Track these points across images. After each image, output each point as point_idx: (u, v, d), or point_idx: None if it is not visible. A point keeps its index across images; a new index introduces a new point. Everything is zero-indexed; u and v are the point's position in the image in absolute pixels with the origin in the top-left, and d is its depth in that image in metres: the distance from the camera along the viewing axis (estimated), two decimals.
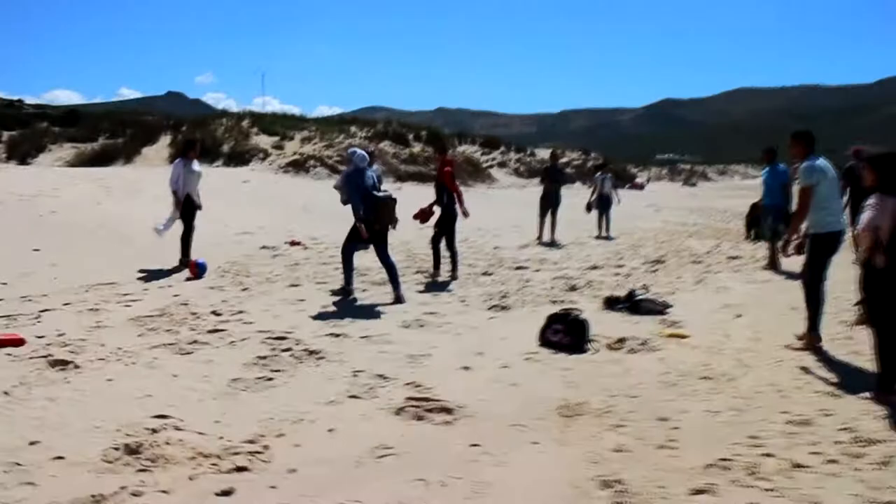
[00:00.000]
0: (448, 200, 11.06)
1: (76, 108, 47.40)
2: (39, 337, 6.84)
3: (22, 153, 32.91)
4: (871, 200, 5.63)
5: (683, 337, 7.66)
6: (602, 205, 17.81)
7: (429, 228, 11.49)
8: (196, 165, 11.09)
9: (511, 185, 41.55)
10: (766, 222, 12.77)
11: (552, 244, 15.78)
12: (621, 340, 7.36)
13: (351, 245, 9.43)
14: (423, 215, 11.09)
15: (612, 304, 9.03)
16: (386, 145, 36.16)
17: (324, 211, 17.81)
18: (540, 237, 16.21)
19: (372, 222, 9.10)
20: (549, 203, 16.36)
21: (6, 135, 35.58)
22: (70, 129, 36.26)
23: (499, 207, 25.79)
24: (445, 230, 11.01)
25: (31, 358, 6.17)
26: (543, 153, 54.54)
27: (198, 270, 10.20)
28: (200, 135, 28.93)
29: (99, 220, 14.01)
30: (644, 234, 18.71)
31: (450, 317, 8.53)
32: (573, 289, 10.49)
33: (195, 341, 7.01)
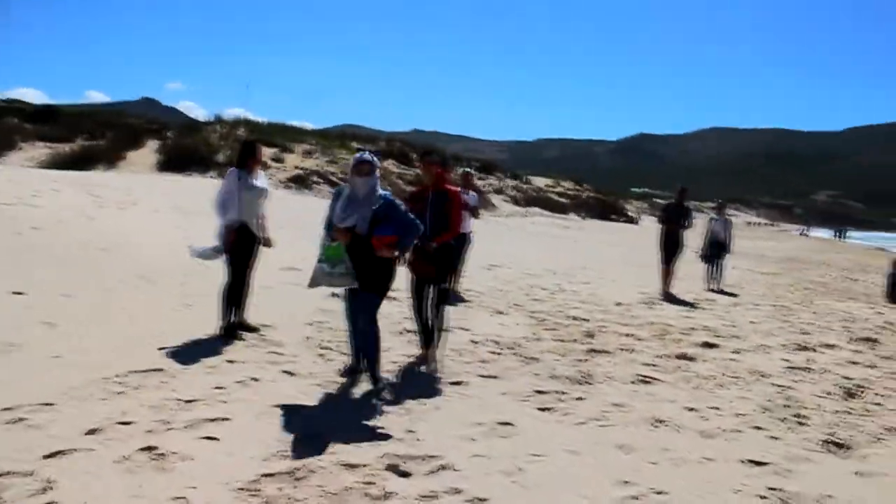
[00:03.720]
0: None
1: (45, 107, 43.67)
2: None
3: None
4: None
5: None
6: (715, 252, 14.68)
7: None
8: (260, 179, 7.40)
9: (513, 214, 39.30)
10: None
11: (674, 299, 12.50)
12: None
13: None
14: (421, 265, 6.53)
15: None
16: (390, 164, 33.61)
17: None
18: (665, 289, 13.09)
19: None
20: (675, 248, 13.34)
21: None
22: (44, 128, 32.86)
23: (533, 241, 23.39)
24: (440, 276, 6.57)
25: None
26: (539, 181, 52.54)
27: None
28: (193, 142, 26.19)
29: (98, 240, 10.87)
30: (754, 288, 15.63)
31: None
32: (851, 395, 6.71)
33: None
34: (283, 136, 32.10)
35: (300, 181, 26.97)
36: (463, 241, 10.10)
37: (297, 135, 34.40)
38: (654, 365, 7.28)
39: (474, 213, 10.65)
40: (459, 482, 4.03)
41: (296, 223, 15.15)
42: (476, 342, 7.62)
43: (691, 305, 11.81)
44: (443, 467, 4.23)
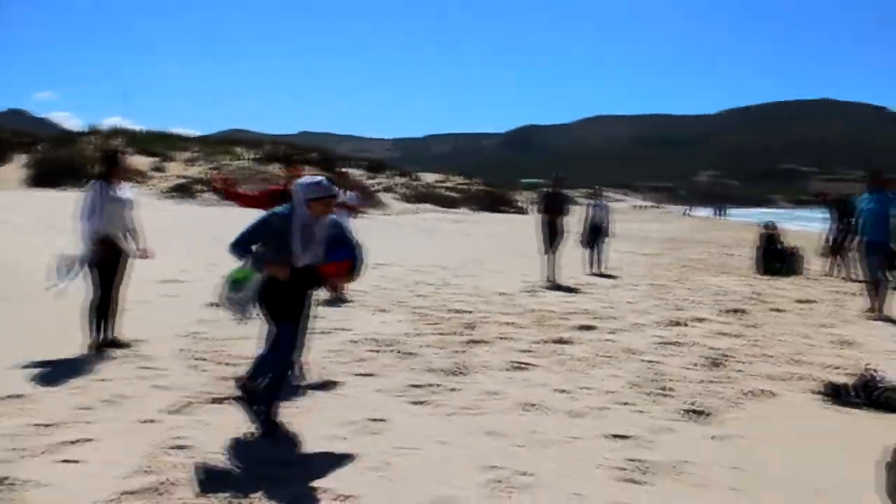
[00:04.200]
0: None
1: None
2: None
3: None
4: None
5: None
6: (595, 237, 14.91)
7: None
8: (125, 191, 7.16)
9: (403, 211, 39.38)
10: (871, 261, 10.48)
11: (557, 286, 12.66)
12: None
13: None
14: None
15: (837, 394, 6.08)
16: (276, 168, 33.03)
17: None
18: (550, 277, 13.14)
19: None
20: (556, 236, 13.46)
21: None
22: None
23: (427, 239, 23.47)
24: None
25: None
26: (428, 177, 52.82)
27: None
28: (67, 154, 25.09)
29: None
30: (634, 269, 16.11)
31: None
32: (716, 364, 7.09)
33: None
34: (163, 145, 31.16)
35: (183, 190, 26.26)
36: None
37: (179, 142, 33.50)
38: (530, 351, 7.46)
39: (354, 211, 10.61)
40: (328, 482, 4.03)
41: (177, 233, 14.79)
42: (355, 342, 7.60)
43: (573, 291, 12.14)
44: (311, 468, 4.23)
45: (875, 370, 6.14)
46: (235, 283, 4.98)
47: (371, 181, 43.99)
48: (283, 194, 5.83)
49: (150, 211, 19.55)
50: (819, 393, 6.15)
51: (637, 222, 46.72)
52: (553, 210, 13.52)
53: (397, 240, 21.12)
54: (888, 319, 9.90)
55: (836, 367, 7.08)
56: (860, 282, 11.81)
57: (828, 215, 15.87)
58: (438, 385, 6.08)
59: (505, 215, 46.50)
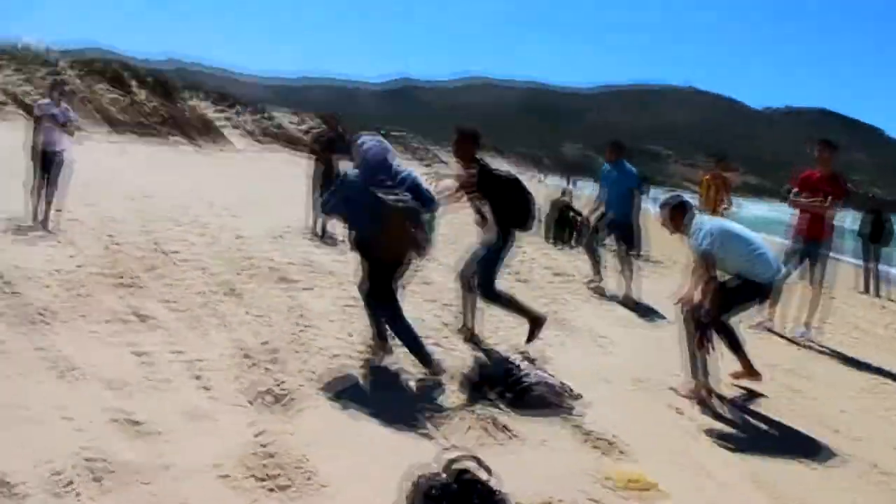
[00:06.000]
0: None
1: None
2: None
3: None
4: None
5: (647, 489, 4.23)
6: None
7: None
8: None
9: (246, 149, 38.25)
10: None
11: (324, 236, 11.60)
12: None
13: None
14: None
15: (477, 388, 5.30)
16: (101, 89, 31.04)
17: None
18: (315, 228, 11.92)
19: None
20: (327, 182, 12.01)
21: None
22: None
23: (235, 175, 22.53)
24: None
25: None
26: (283, 117, 51.24)
27: None
28: None
29: None
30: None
31: None
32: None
33: None
34: None
35: None
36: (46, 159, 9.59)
37: None
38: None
39: (67, 129, 9.85)
40: None
41: None
42: None
43: (328, 240, 11.38)
44: None
45: (529, 363, 5.61)
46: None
47: (217, 115, 42.37)
48: None
49: None
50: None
51: None
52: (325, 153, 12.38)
53: (208, 175, 20.17)
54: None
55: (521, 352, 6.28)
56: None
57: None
58: None
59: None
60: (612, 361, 6.85)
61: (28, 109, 22.95)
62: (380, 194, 5.25)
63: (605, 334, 7.82)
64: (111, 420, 4.18)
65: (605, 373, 6.36)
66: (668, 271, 12.60)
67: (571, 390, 5.44)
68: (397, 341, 5.72)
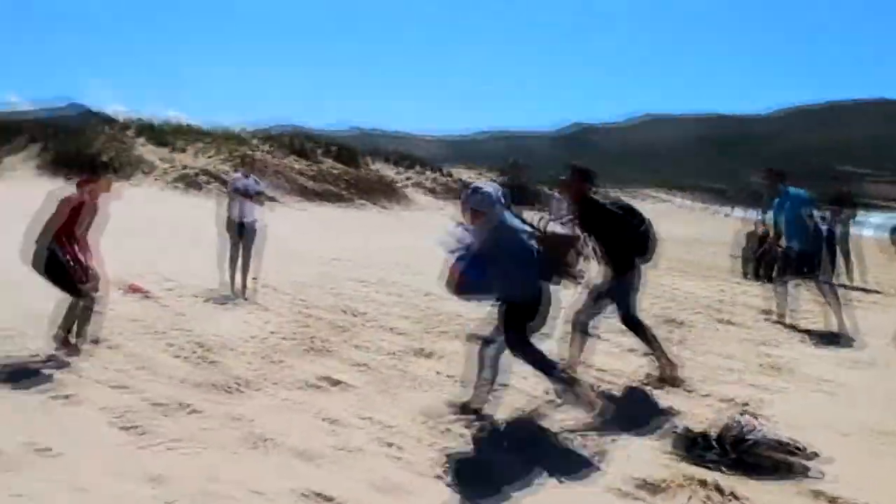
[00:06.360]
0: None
1: None
2: None
3: None
4: None
5: None
6: None
7: None
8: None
9: (428, 207, 39.15)
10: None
11: None
12: None
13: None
14: None
15: (691, 446, 4.75)
16: (290, 160, 32.91)
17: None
18: None
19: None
20: None
21: None
22: None
23: (418, 232, 22.92)
24: None
25: None
26: (459, 173, 52.31)
27: None
28: (75, 145, 25.34)
29: None
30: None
31: None
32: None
33: None
34: (178, 136, 31.24)
35: (187, 180, 26.31)
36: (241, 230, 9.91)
37: (196, 134, 33.31)
38: (363, 365, 6.96)
39: (256, 199, 10.29)
40: None
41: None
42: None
43: None
44: None
45: (752, 417, 4.97)
46: None
47: (398, 176, 43.82)
48: None
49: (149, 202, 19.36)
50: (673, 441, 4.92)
51: (669, 223, 45.52)
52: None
53: (391, 235, 20.69)
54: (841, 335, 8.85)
55: (739, 402, 5.92)
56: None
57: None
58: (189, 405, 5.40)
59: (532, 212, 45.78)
60: (844, 410, 6.01)
61: (225, 183, 24.90)
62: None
63: (829, 377, 6.97)
64: (301, 496, 4.05)
65: (838, 424, 5.56)
66: (892, 300, 11.35)
67: (804, 447, 4.73)
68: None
